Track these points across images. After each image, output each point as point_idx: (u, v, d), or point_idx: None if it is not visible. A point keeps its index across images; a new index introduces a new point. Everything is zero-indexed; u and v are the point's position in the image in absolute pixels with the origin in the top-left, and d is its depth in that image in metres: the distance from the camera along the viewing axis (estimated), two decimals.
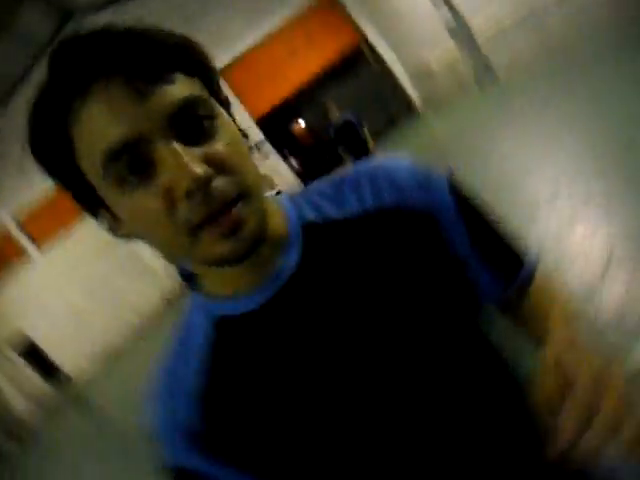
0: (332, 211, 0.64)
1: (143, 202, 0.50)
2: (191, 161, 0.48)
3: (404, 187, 0.63)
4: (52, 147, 0.52)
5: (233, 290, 0.60)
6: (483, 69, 11.54)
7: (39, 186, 15.20)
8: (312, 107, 16.45)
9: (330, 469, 0.58)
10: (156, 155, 0.49)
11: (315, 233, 0.62)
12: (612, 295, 2.33)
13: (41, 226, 15.33)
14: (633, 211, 2.89)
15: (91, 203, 0.56)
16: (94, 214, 0.57)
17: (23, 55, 13.97)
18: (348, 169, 0.68)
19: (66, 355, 15.42)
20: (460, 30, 11.56)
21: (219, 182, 0.50)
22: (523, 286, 0.68)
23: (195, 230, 0.50)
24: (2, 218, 15.14)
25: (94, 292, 15.67)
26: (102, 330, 15.56)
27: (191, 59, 0.54)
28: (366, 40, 15.45)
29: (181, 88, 0.51)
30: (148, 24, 0.53)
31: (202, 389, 0.60)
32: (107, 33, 0.50)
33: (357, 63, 15.52)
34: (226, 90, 0.60)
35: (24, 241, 15.33)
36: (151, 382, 0.65)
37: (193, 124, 0.51)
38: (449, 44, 12.01)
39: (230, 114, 0.59)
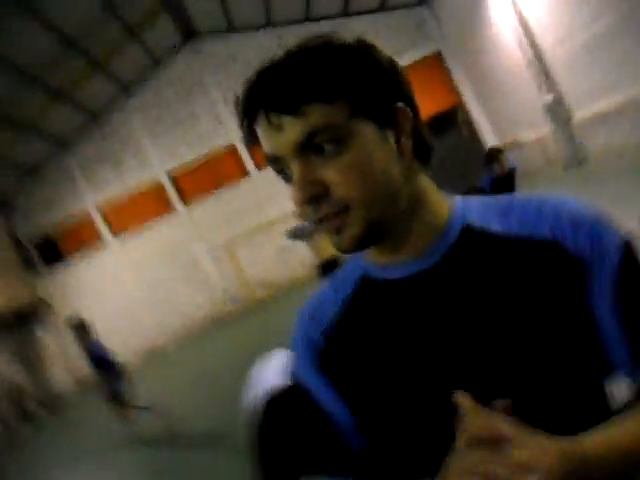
0: (494, 224, 0.70)
1: (291, 191, 0.66)
2: (303, 182, 0.64)
3: (568, 226, 0.65)
4: (251, 137, 0.69)
5: (385, 259, 0.73)
6: (574, 150, 11.30)
7: (128, 183, 16.25)
8: None
9: (410, 418, 0.69)
10: (290, 170, 0.66)
11: (470, 237, 0.70)
12: None
13: (120, 219, 16.33)
14: None
15: None
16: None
17: (142, 62, 15.20)
18: (519, 194, 0.73)
19: (113, 344, 16.02)
20: (559, 115, 11.43)
21: (328, 198, 0.64)
22: None
23: (316, 222, 0.67)
24: (89, 204, 16.26)
25: (152, 290, 16.31)
26: (150, 328, 16.10)
27: (331, 88, 0.63)
28: (462, 104, 15.56)
29: (311, 119, 0.62)
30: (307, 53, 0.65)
31: (335, 322, 0.76)
32: (262, 73, 0.65)
33: (448, 124, 15.52)
34: None
35: (103, 229, 16.35)
36: (305, 303, 0.82)
37: (315, 149, 0.63)
38: (544, 124, 11.89)
39: (392, 126, 0.67)
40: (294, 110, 0.62)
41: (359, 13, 15.26)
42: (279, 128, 0.63)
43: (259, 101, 0.64)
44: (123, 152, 16.34)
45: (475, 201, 0.74)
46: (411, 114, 0.68)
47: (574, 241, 0.64)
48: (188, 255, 16.42)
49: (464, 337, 0.66)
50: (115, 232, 16.44)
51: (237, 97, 0.67)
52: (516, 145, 13.12)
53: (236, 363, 8.28)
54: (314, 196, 0.63)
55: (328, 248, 5.50)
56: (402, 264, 0.71)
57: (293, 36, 15.66)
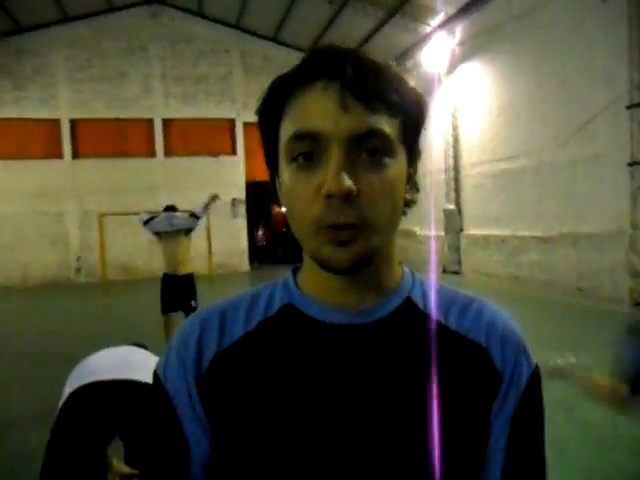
0: (433, 310, 0.68)
1: (300, 183, 0.59)
2: (345, 174, 0.56)
3: (499, 339, 0.66)
4: (269, 110, 0.63)
5: (325, 296, 0.66)
6: (457, 258, 12.38)
7: (23, 111, 14.75)
8: None
9: None
10: (326, 155, 0.58)
11: (409, 312, 0.67)
12: None
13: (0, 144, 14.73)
14: None
15: (272, 164, 0.67)
16: (272, 175, 0.68)
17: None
18: (465, 292, 0.72)
19: None
20: (454, 224, 12.51)
21: (353, 205, 0.57)
22: None
23: (319, 229, 0.58)
24: None
25: (3, 230, 14.69)
26: None
27: (407, 109, 0.61)
28: None
29: (379, 120, 0.58)
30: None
31: (237, 345, 0.66)
32: (355, 52, 0.60)
33: None
34: None
35: None
36: (204, 310, 0.71)
37: (368, 150, 0.58)
38: (441, 228, 12.91)
39: (412, 163, 0.65)
40: (371, 99, 0.57)
41: None
42: (346, 109, 0.57)
43: (339, 72, 0.58)
44: (32, 78, 14.94)
45: (421, 279, 0.72)
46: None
47: (501, 355, 0.66)
48: (57, 208, 15.15)
49: (368, 409, 0.62)
50: None
51: (315, 49, 0.61)
52: (414, 236, 14.06)
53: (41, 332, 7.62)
54: (349, 194, 0.56)
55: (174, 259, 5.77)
56: (339, 309, 0.65)
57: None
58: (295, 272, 0.73)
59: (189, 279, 5.86)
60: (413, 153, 0.65)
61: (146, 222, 5.97)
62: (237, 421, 0.63)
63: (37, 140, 15.05)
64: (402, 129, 0.61)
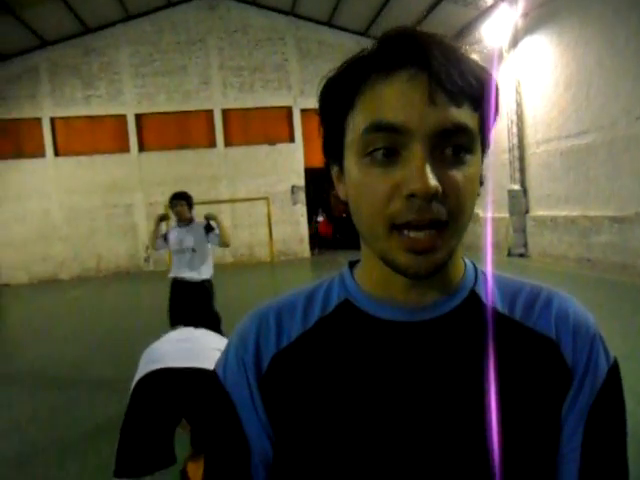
0: (499, 302, 0.65)
1: (374, 178, 0.56)
2: (430, 172, 0.52)
3: (571, 331, 0.63)
4: (337, 97, 0.59)
5: (384, 293, 0.64)
6: (523, 239, 11.94)
7: (92, 108, 15.45)
8: None
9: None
10: (407, 150, 0.54)
11: (474, 306, 0.64)
12: None
13: (69, 141, 15.54)
14: None
15: (333, 153, 0.63)
16: (329, 161, 0.65)
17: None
18: (532, 283, 0.69)
19: (14, 263, 15.13)
20: (519, 205, 12.05)
21: (438, 203, 0.54)
22: None
23: (394, 228, 0.55)
24: (44, 112, 15.32)
25: (73, 222, 15.56)
26: (57, 258, 15.32)
27: (486, 101, 0.57)
28: None
29: (463, 115, 0.55)
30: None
31: (296, 344, 0.65)
32: (439, 38, 0.57)
33: None
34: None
35: (48, 143, 15.44)
36: (263, 306, 0.70)
37: (452, 147, 0.55)
38: (506, 210, 12.46)
39: (482, 157, 0.62)
40: (458, 93, 0.54)
41: None
42: (433, 102, 0.53)
43: (426, 61, 0.54)
44: (99, 76, 15.64)
45: (484, 272, 0.69)
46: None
47: (572, 349, 0.62)
48: (126, 200, 15.87)
49: (431, 407, 0.60)
50: (59, 152, 15.58)
51: (392, 34, 0.57)
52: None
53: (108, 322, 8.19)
54: (436, 193, 0.53)
55: None
56: (401, 306, 0.63)
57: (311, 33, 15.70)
58: (352, 266, 0.71)
59: (204, 287, 4.93)
60: (486, 148, 0.62)
61: (163, 242, 5.09)
62: (299, 420, 0.62)
63: (106, 136, 15.75)
64: (481, 123, 0.58)
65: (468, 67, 0.56)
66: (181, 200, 4.93)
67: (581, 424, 0.62)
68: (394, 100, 0.54)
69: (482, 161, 0.62)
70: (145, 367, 2.31)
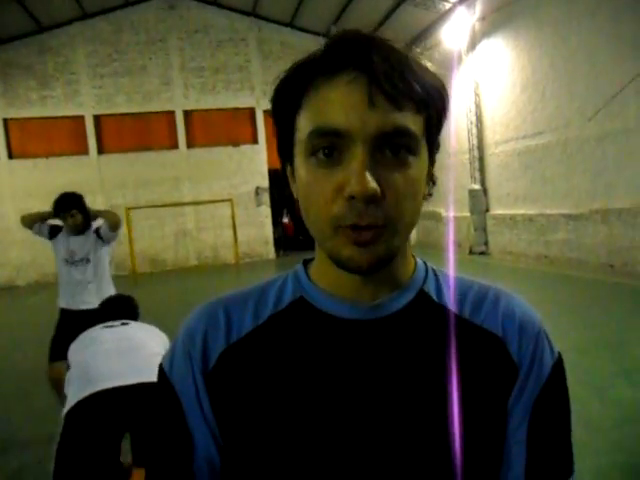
0: (448, 299, 0.66)
1: (319, 179, 0.57)
2: (370, 175, 0.53)
3: (517, 328, 0.64)
4: (285, 99, 0.60)
5: (338, 290, 0.64)
6: (483, 239, 12.22)
7: (48, 109, 14.98)
8: None
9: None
10: (349, 153, 0.55)
11: (424, 304, 0.65)
12: None
13: (24, 143, 15.02)
14: None
15: (285, 153, 0.64)
16: (283, 163, 0.66)
17: None
18: (480, 282, 0.70)
19: None
20: (479, 204, 12.33)
21: (378, 206, 0.55)
22: None
23: (338, 228, 0.56)
24: None
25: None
26: (16, 265, 14.76)
27: (429, 103, 0.57)
28: None
29: (405, 118, 0.55)
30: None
31: (245, 340, 0.64)
32: (381, 42, 0.57)
33: None
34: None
35: (1, 146, 14.90)
36: (212, 300, 0.69)
37: (393, 149, 0.56)
38: (466, 209, 12.72)
39: (432, 158, 0.63)
40: (399, 95, 0.55)
41: None
42: (373, 105, 0.54)
43: (367, 64, 0.55)
44: (55, 76, 15.17)
45: (434, 269, 0.71)
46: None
47: (518, 345, 0.64)
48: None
49: (381, 405, 0.60)
50: (13, 154, 15.04)
51: (338, 36, 0.58)
52: (439, 218, 13.92)
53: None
54: (374, 196, 0.54)
55: None
56: (352, 304, 0.63)
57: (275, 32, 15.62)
58: (306, 264, 0.71)
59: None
60: (434, 149, 0.63)
61: (47, 232, 3.96)
62: (246, 417, 0.61)
63: (63, 137, 15.28)
64: (426, 126, 0.59)
65: (412, 69, 0.56)
66: (71, 209, 3.67)
67: (526, 418, 0.63)
68: (336, 103, 0.55)
69: (432, 162, 0.63)
70: (80, 389, 2.13)
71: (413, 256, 0.70)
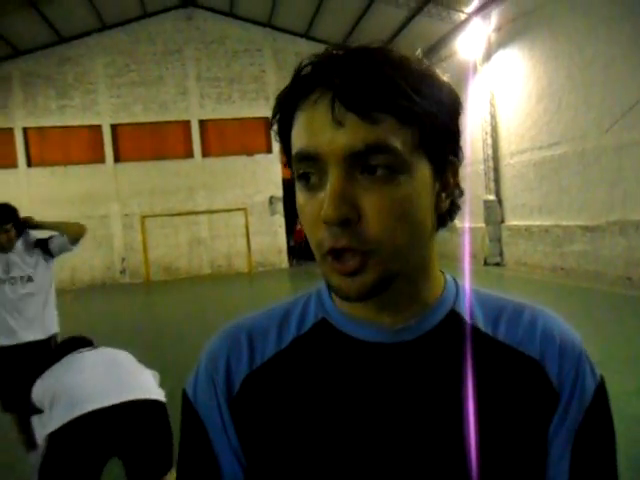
0: (481, 321, 0.63)
1: (306, 203, 0.55)
2: (337, 199, 0.51)
3: (556, 352, 0.61)
4: (279, 123, 0.58)
5: (360, 313, 0.62)
6: (498, 249, 12.10)
7: (66, 118, 15.22)
8: None
9: None
10: (326, 176, 0.53)
11: (454, 325, 0.62)
12: None
13: (42, 151, 15.25)
14: None
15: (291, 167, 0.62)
16: (294, 181, 0.63)
17: (131, 5, 14.55)
18: (515, 300, 0.66)
19: None
20: (494, 215, 12.24)
21: (356, 229, 0.52)
22: None
23: (325, 255, 0.54)
24: (17, 123, 15.03)
25: None
26: None
27: (418, 113, 0.52)
28: None
29: (380, 132, 0.50)
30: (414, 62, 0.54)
31: (269, 365, 0.63)
32: (359, 54, 0.53)
33: None
34: None
35: (20, 153, 15.15)
36: (234, 324, 0.67)
37: (367, 168, 0.52)
38: (481, 220, 12.64)
39: (441, 171, 0.57)
40: (369, 109, 0.50)
41: None
42: (340, 124, 0.50)
43: (329, 81, 0.51)
44: (74, 85, 15.45)
45: (465, 288, 0.66)
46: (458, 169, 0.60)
47: (558, 369, 0.60)
48: (101, 211, 15.64)
49: (409, 431, 0.58)
50: (32, 163, 15.31)
51: (302, 64, 0.55)
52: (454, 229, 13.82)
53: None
54: (347, 219, 0.51)
55: None
56: (377, 326, 0.60)
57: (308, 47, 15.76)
58: None
59: (45, 347, 3.17)
60: (444, 159, 0.57)
61: None
62: (271, 443, 0.60)
63: (80, 146, 15.53)
64: (421, 137, 0.53)
65: (391, 78, 0.51)
66: (4, 225, 3.10)
67: (569, 446, 0.60)
68: (307, 126, 0.53)
69: (440, 175, 0.57)
70: (67, 410, 2.05)
71: (442, 272, 0.66)
